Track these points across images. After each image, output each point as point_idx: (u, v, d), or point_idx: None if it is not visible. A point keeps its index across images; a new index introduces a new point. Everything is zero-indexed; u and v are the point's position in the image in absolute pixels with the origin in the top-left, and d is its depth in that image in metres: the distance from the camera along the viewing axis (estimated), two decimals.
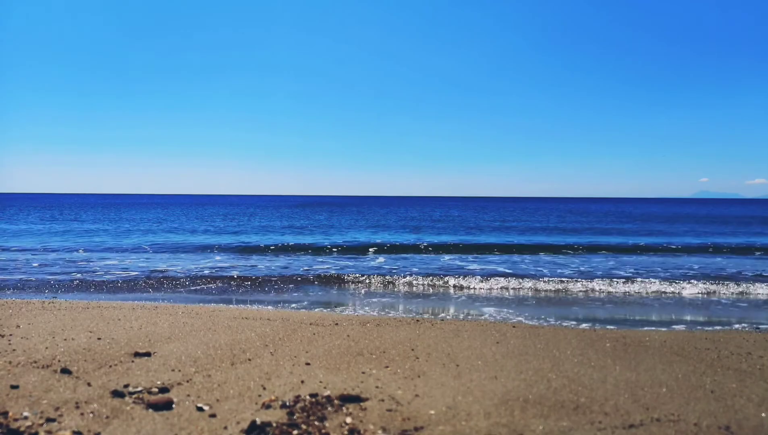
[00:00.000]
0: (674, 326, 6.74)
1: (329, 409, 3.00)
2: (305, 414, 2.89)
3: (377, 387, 3.45)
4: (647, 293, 9.93)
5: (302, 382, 3.53)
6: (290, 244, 20.18)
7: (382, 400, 3.18)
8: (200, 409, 2.96)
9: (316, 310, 7.78)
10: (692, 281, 10.74)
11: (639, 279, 11.19)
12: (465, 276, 11.42)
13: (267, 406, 3.01)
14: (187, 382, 3.47)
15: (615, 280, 10.86)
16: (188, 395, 3.19)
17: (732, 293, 9.85)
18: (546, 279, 11.10)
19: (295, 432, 2.65)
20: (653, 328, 5.92)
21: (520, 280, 10.88)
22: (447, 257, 16.07)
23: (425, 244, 20.40)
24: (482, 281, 10.87)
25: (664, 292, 9.95)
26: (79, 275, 11.62)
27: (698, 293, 9.96)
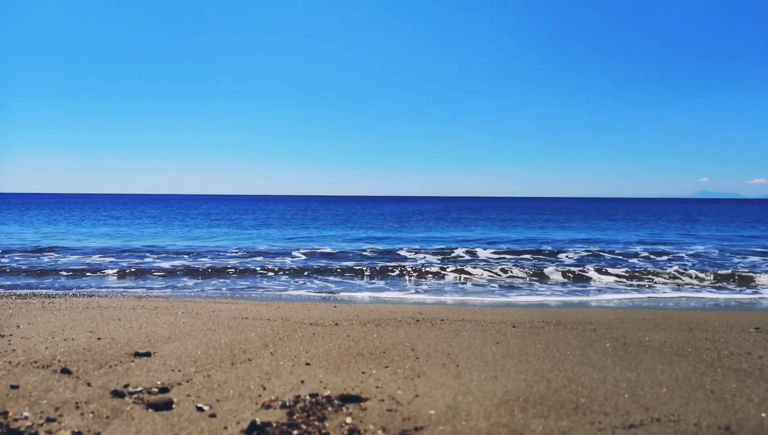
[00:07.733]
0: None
1: (329, 409, 3.00)
2: (305, 414, 2.89)
3: (377, 387, 3.45)
4: None
5: (302, 382, 3.53)
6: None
7: (382, 400, 3.18)
8: (200, 409, 2.96)
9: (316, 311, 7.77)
10: None
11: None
12: None
13: (267, 406, 3.01)
14: (187, 382, 3.47)
15: None
16: (188, 395, 3.19)
17: None
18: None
19: (295, 432, 2.65)
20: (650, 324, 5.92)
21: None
22: None
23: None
24: None
25: None
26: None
27: None
